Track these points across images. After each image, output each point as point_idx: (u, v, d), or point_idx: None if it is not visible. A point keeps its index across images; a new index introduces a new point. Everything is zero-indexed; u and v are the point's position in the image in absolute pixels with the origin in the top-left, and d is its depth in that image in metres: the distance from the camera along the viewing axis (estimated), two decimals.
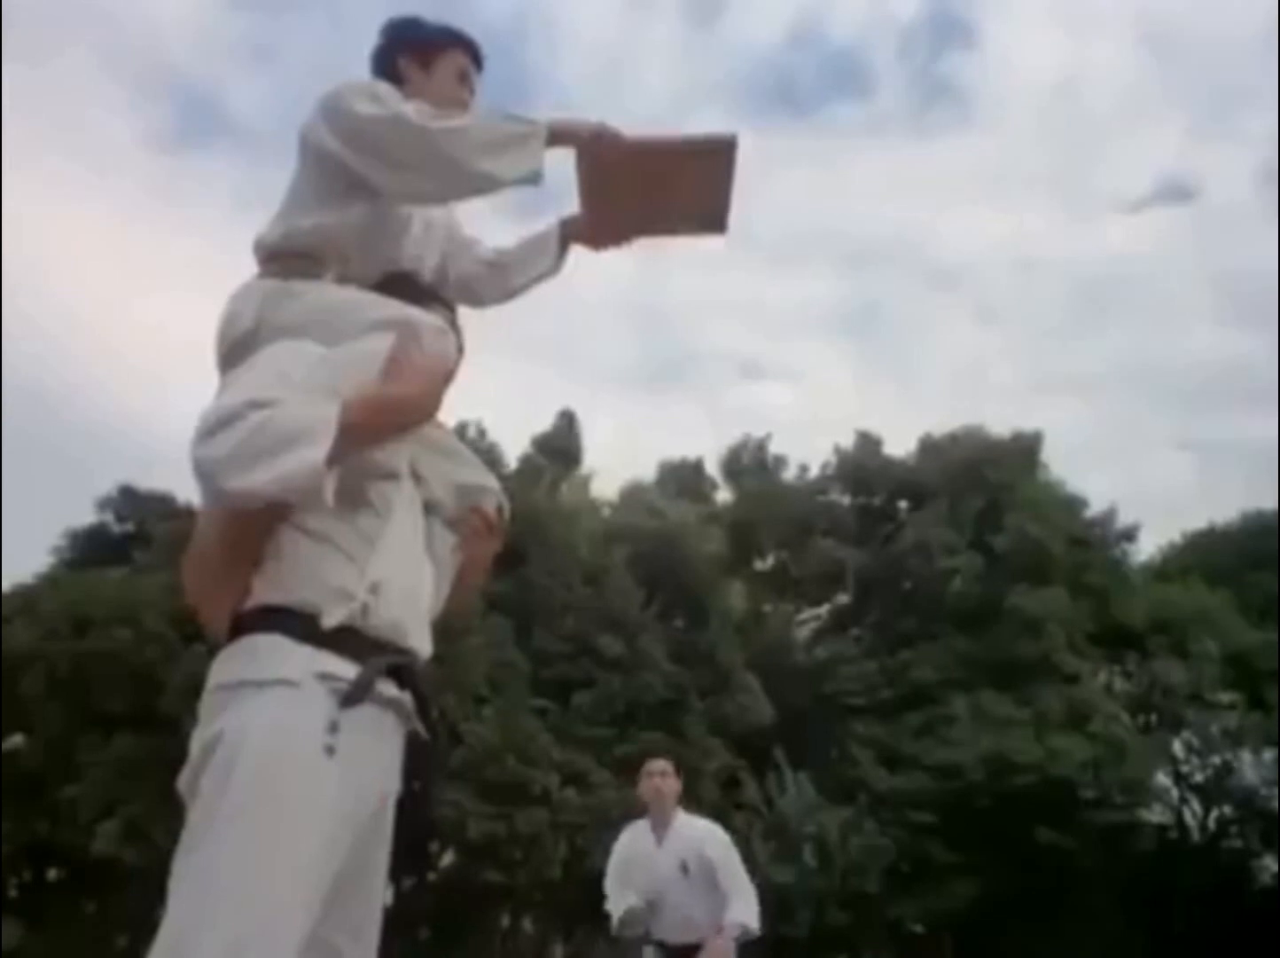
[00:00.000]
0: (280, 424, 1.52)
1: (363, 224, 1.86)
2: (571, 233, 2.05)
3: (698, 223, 1.98)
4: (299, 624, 1.55)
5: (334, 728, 1.50)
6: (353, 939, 1.60)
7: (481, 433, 24.01)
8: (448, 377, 1.74)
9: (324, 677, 1.52)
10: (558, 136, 1.79)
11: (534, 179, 1.79)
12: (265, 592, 1.59)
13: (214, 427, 1.54)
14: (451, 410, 1.80)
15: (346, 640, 1.56)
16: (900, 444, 26.89)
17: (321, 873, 1.47)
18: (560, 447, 27.57)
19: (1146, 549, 26.16)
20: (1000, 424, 25.96)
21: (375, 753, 1.60)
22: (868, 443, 27.01)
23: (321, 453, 1.50)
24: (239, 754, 1.45)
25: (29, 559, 24.45)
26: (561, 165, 1.84)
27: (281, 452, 1.50)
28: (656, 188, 1.89)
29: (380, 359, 1.66)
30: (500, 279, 2.13)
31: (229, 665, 1.56)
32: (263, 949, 1.38)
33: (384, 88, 1.86)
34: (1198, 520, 27.33)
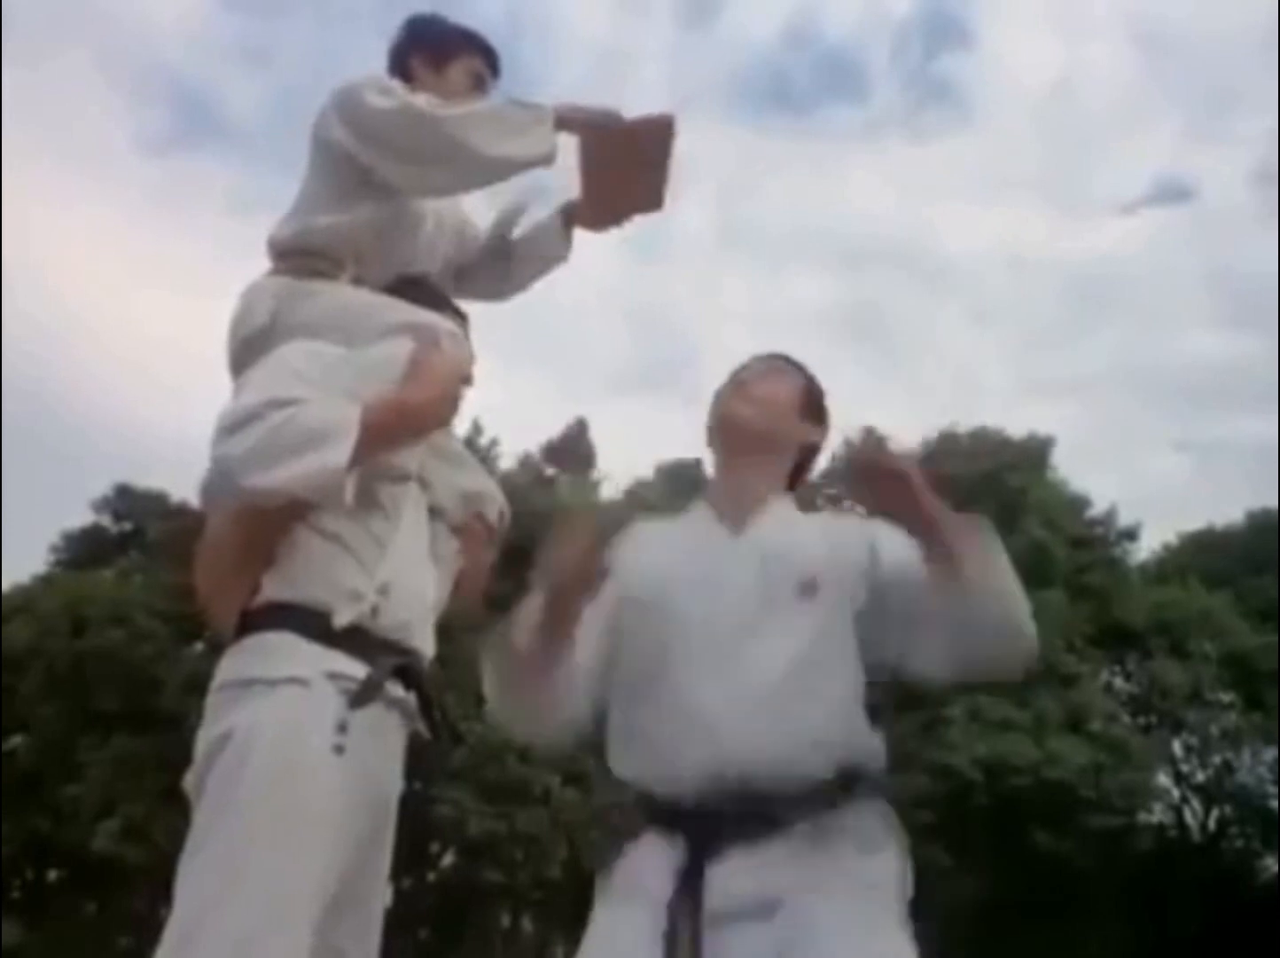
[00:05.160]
0: (303, 423, 1.53)
1: (376, 222, 1.86)
2: (573, 217, 2.06)
3: (655, 200, 2.00)
4: (310, 622, 1.55)
5: (343, 728, 1.50)
6: (354, 938, 1.61)
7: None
8: (465, 382, 1.75)
9: (333, 676, 1.53)
10: (563, 121, 1.81)
11: (548, 160, 1.81)
12: (276, 589, 1.59)
13: (234, 425, 1.55)
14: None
15: (355, 640, 1.56)
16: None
17: (328, 871, 1.48)
18: (571, 452, 27.69)
19: (1146, 550, 26.17)
20: (998, 425, 25.90)
21: (381, 753, 1.61)
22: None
23: (344, 454, 1.51)
24: (249, 753, 1.46)
25: (27, 559, 24.46)
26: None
27: (304, 451, 1.51)
28: (642, 168, 1.92)
29: (400, 364, 1.67)
30: (513, 272, 2.13)
31: (238, 662, 1.57)
32: (270, 945, 1.39)
33: (393, 84, 1.86)
34: (1196, 522, 27.27)
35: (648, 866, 1.48)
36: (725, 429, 1.77)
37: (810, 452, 1.80)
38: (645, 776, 1.54)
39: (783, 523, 1.70)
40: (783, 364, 1.83)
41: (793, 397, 1.79)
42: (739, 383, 1.78)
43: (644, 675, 1.56)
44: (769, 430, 1.74)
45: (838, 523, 1.74)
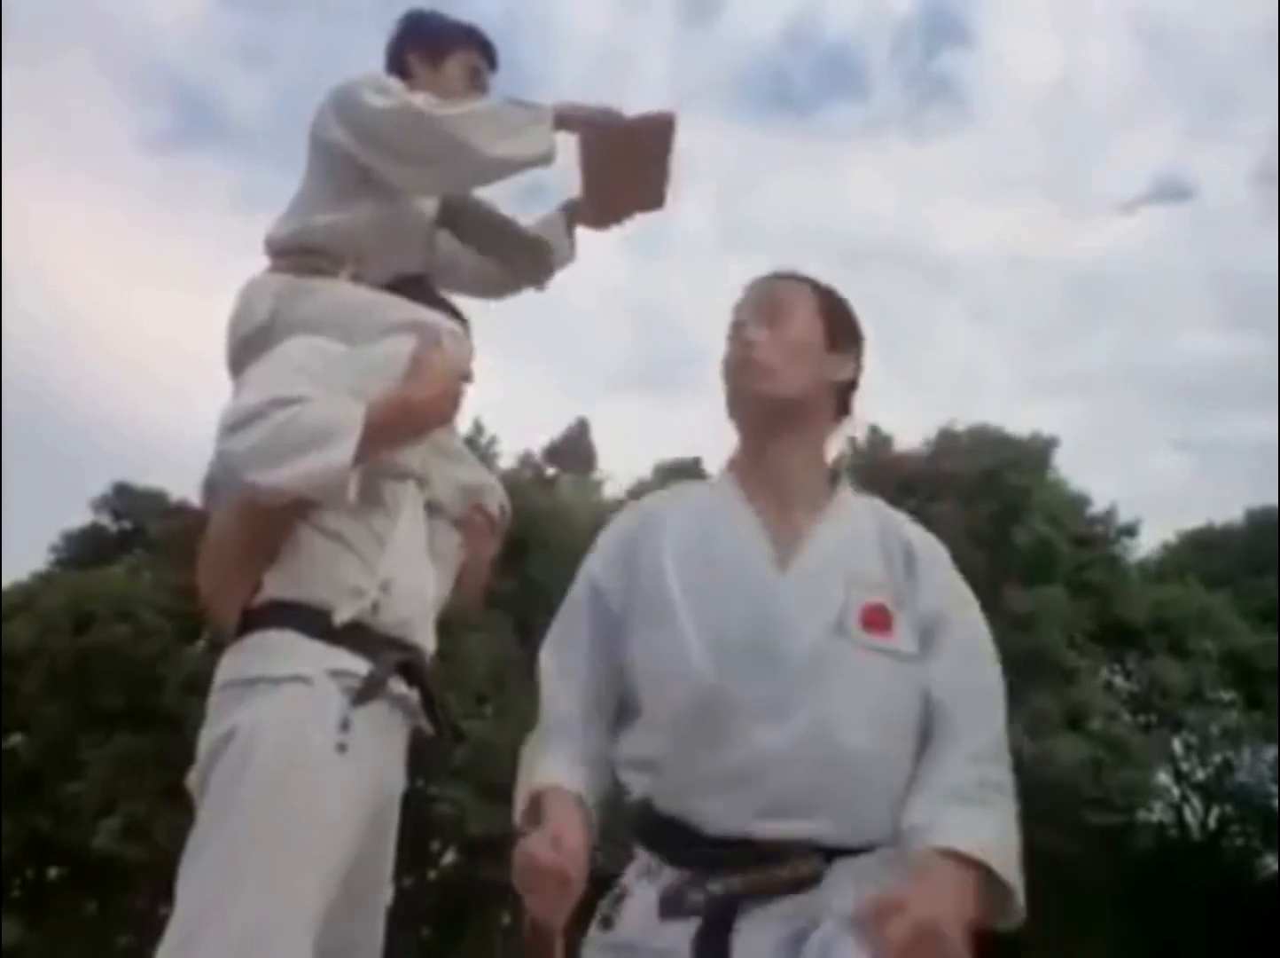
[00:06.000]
0: (307, 422, 1.53)
1: (376, 221, 1.86)
2: (574, 216, 2.07)
3: (656, 199, 2.01)
4: (311, 620, 1.56)
5: (346, 725, 1.51)
6: (358, 936, 1.61)
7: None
8: (465, 380, 1.76)
9: (336, 673, 1.53)
10: (562, 120, 1.81)
11: (547, 160, 1.81)
12: (277, 587, 1.59)
13: (237, 423, 1.55)
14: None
15: (357, 637, 1.57)
16: (900, 442, 26.89)
17: (331, 871, 1.48)
18: (572, 453, 27.65)
19: (1145, 548, 26.14)
20: (998, 423, 25.91)
21: (383, 750, 1.61)
22: (877, 437, 26.97)
23: (348, 453, 1.52)
24: (252, 752, 1.46)
25: (27, 559, 24.50)
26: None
27: (309, 449, 1.51)
28: (643, 166, 1.92)
29: (402, 362, 1.67)
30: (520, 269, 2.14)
31: (240, 660, 1.57)
32: (272, 945, 1.39)
33: (391, 83, 1.86)
34: (1196, 521, 27.24)
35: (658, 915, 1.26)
36: (744, 408, 1.44)
37: (849, 386, 1.49)
38: (678, 811, 1.30)
39: (840, 536, 1.39)
40: (785, 288, 1.47)
41: (810, 331, 1.44)
42: (745, 343, 1.42)
43: (678, 708, 1.32)
44: (796, 396, 1.41)
45: (896, 559, 1.40)
